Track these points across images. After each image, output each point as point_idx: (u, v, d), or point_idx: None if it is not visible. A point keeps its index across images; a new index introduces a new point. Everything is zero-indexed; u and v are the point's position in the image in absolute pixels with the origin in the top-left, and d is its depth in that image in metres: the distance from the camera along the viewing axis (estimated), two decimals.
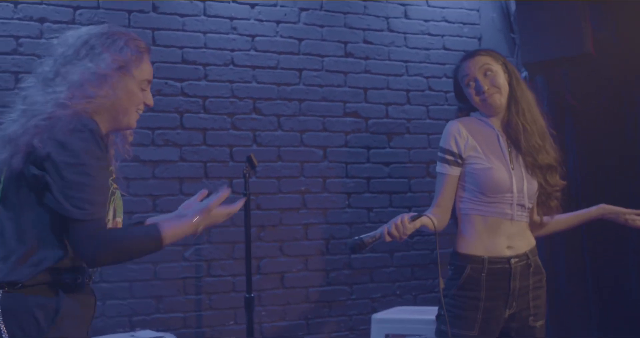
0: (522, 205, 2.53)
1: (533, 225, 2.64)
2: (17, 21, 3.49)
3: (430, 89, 4.39)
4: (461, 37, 4.51)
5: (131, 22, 3.69)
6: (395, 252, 4.16)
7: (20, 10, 3.50)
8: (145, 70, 1.95)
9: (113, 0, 3.66)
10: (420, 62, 4.38)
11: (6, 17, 3.47)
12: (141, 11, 3.72)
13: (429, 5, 4.44)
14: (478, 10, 4.57)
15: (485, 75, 2.58)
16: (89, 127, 1.76)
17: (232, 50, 3.92)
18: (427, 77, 4.39)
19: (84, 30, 1.92)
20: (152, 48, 3.75)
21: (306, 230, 3.96)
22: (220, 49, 3.89)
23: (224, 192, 1.85)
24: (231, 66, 3.91)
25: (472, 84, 2.58)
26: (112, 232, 1.81)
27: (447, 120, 4.32)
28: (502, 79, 2.58)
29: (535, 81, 4.34)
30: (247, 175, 3.37)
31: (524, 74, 4.29)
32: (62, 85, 1.81)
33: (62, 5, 3.57)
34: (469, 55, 2.64)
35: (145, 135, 3.67)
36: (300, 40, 4.07)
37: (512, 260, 2.48)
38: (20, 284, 1.75)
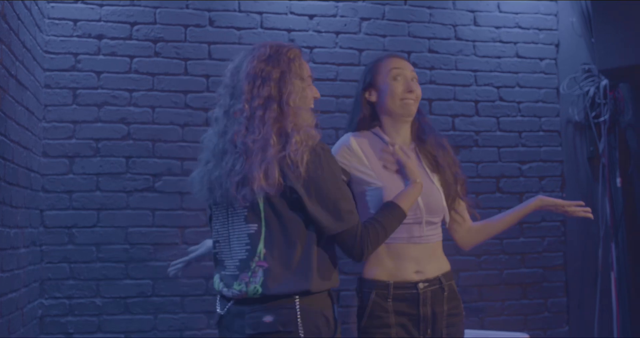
0: (431, 222, 2.39)
1: (469, 234, 2.56)
2: (76, 38, 3.58)
3: (501, 99, 4.14)
4: (536, 43, 4.23)
5: (187, 36, 3.70)
6: (461, 271, 3.94)
7: (79, 27, 3.59)
8: (306, 68, 2.16)
9: (169, 16, 3.69)
10: (491, 71, 4.14)
11: (65, 34, 3.56)
12: (197, 25, 3.73)
13: (500, 11, 4.19)
14: (556, 15, 4.28)
15: (413, 80, 2.46)
16: (326, 147, 2.03)
17: None
18: (497, 87, 4.14)
19: (247, 61, 2.14)
20: (207, 62, 3.78)
21: None
22: None
23: None
24: None
25: (402, 79, 2.41)
26: (372, 230, 2.07)
27: (520, 133, 4.15)
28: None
29: (618, 89, 4.02)
30: None
31: (604, 82, 3.98)
32: (279, 117, 2.01)
33: (119, 22, 3.63)
34: (397, 55, 2.49)
35: None
36: (360, 51, 3.95)
37: (420, 285, 2.31)
38: (310, 293, 2.00)
